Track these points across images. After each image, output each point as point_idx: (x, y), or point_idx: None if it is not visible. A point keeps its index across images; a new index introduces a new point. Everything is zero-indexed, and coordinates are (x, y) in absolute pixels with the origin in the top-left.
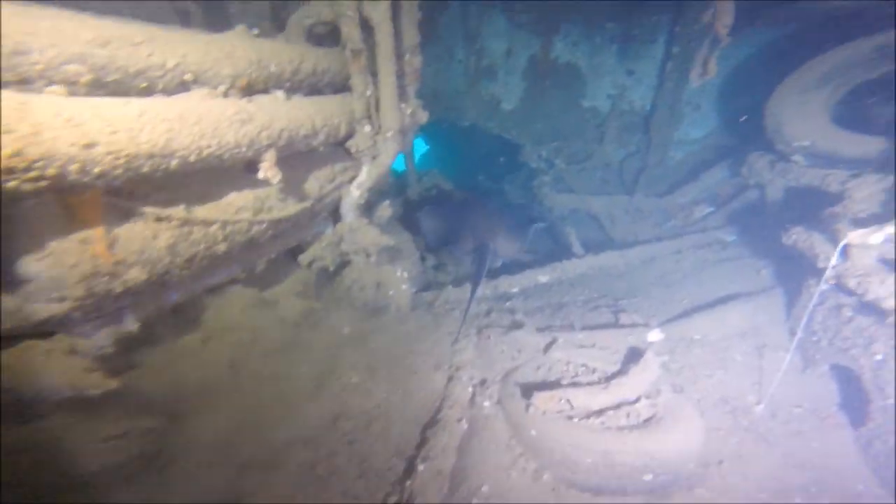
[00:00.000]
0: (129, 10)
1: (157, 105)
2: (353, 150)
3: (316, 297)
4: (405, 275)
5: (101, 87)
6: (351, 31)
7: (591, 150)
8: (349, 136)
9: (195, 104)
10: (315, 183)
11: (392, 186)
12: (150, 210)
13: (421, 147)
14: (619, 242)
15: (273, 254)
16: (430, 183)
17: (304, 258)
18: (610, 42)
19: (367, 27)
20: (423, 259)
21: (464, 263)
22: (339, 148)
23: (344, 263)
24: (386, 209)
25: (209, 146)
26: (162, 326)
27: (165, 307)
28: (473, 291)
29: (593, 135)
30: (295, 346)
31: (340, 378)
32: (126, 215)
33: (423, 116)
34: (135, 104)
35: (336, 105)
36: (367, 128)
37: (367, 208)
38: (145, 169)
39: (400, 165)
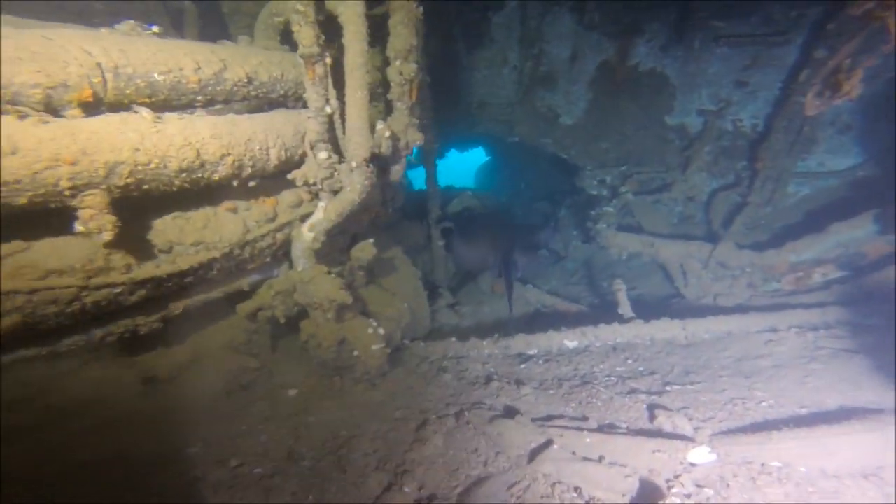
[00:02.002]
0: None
1: None
2: (299, 182)
3: (272, 348)
4: (380, 331)
5: None
6: (302, 31)
7: (671, 179)
8: (295, 163)
9: None
10: (237, 226)
11: (414, 210)
12: None
13: (480, 157)
14: (692, 305)
15: (175, 312)
16: (461, 206)
17: (243, 308)
18: (715, 45)
19: (335, 26)
20: (437, 294)
21: (485, 301)
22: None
23: (302, 314)
24: (365, 250)
25: None
26: None
27: None
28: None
29: (676, 160)
30: (199, 418)
31: (241, 467)
32: None
33: (417, 138)
34: None
35: (266, 125)
36: (323, 154)
37: (352, 244)
38: None
39: (421, 185)
